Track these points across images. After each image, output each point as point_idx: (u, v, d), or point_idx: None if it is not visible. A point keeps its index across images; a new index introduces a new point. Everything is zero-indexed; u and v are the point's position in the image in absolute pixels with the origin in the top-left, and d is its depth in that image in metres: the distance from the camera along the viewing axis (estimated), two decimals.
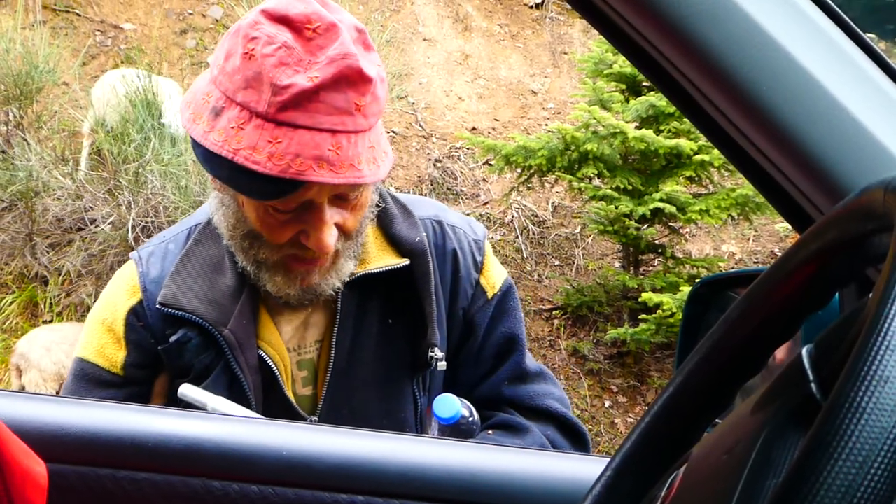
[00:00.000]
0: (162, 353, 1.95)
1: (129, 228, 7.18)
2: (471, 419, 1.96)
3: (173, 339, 1.93)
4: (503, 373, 2.13)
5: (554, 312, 8.33)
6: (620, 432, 7.56)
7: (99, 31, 10.54)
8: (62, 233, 7.95)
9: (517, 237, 8.89)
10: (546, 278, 8.62)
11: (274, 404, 1.95)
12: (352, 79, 1.68)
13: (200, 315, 1.90)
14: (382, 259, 2.02)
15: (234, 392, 1.92)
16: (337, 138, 1.68)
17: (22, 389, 6.69)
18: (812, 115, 1.00)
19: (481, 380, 2.13)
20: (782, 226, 8.40)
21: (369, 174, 1.74)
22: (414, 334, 2.03)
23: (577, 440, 2.14)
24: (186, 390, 1.86)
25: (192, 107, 1.80)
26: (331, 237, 1.80)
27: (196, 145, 1.79)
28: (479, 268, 2.12)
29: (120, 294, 2.01)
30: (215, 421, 1.53)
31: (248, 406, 1.91)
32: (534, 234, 9.08)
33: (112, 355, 1.98)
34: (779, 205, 1.14)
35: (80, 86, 9.15)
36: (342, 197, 1.81)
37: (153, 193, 7.32)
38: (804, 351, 0.74)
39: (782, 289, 0.82)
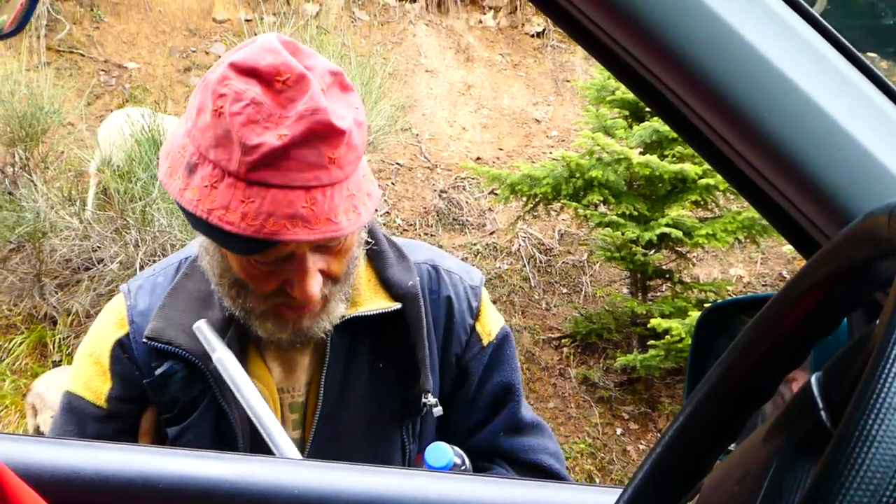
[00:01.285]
0: (147, 387, 1.93)
1: (137, 267, 7.18)
2: (463, 468, 1.93)
3: (159, 371, 1.91)
4: (498, 423, 2.10)
5: (563, 341, 8.32)
6: (633, 459, 7.53)
7: (103, 70, 10.60)
8: (70, 273, 7.96)
9: (524, 266, 8.89)
10: (554, 306, 8.61)
11: (263, 442, 1.88)
12: (322, 133, 1.63)
13: (186, 349, 1.88)
14: (374, 302, 1.99)
15: (222, 427, 1.90)
16: (311, 194, 1.64)
17: (37, 429, 6.70)
18: (815, 139, 1.00)
19: (475, 429, 2.10)
20: (790, 248, 8.39)
21: (347, 225, 1.70)
22: (404, 379, 2.00)
23: None
24: (202, 325, 1.86)
25: (170, 159, 1.77)
26: (314, 286, 1.77)
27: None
28: (474, 314, 2.08)
29: (107, 326, 2.00)
30: (228, 461, 1.53)
31: (235, 443, 1.89)
32: (541, 262, 9.08)
33: (97, 387, 1.96)
34: (784, 230, 1.13)
35: (86, 126, 9.19)
36: (323, 246, 1.78)
37: (160, 232, 7.33)
38: (813, 378, 0.74)
39: (790, 315, 0.82)
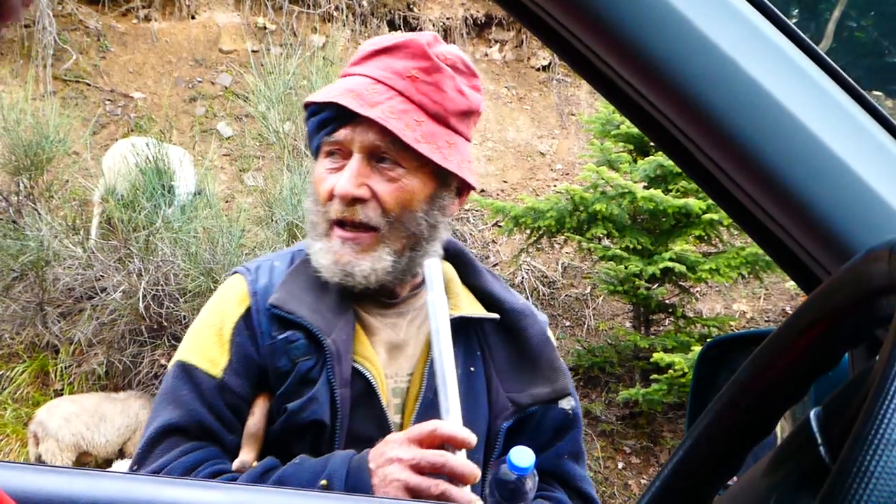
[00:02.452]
0: (266, 351, 1.98)
1: (140, 297, 7.19)
2: (529, 486, 1.98)
3: (281, 336, 1.98)
4: (563, 447, 2.17)
5: None
6: (634, 494, 7.50)
7: (109, 100, 10.65)
8: (73, 302, 7.97)
9: (527, 298, 8.89)
10: (557, 339, 8.59)
11: (366, 419, 1.98)
12: (414, 51, 1.92)
13: (309, 321, 1.97)
14: (472, 309, 2.11)
15: (331, 406, 1.96)
16: (377, 85, 1.90)
17: (38, 458, 6.67)
18: (817, 175, 1.00)
19: (539, 451, 2.11)
20: (793, 284, 8.37)
21: (400, 130, 1.87)
22: (493, 383, 2.10)
23: None
24: (433, 263, 1.94)
25: None
26: (350, 183, 1.91)
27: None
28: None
29: (229, 302, 2.07)
30: (224, 490, 1.52)
31: (335, 418, 1.95)
32: (544, 294, 9.08)
33: (214, 357, 2.01)
34: (786, 265, 1.14)
35: (91, 155, 9.23)
36: (376, 155, 1.93)
37: (163, 261, 7.34)
38: (812, 414, 0.74)
39: (790, 351, 0.82)
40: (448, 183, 2.01)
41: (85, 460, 6.86)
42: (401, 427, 2.05)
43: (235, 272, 2.14)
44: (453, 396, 1.86)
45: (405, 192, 1.96)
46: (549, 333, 2.20)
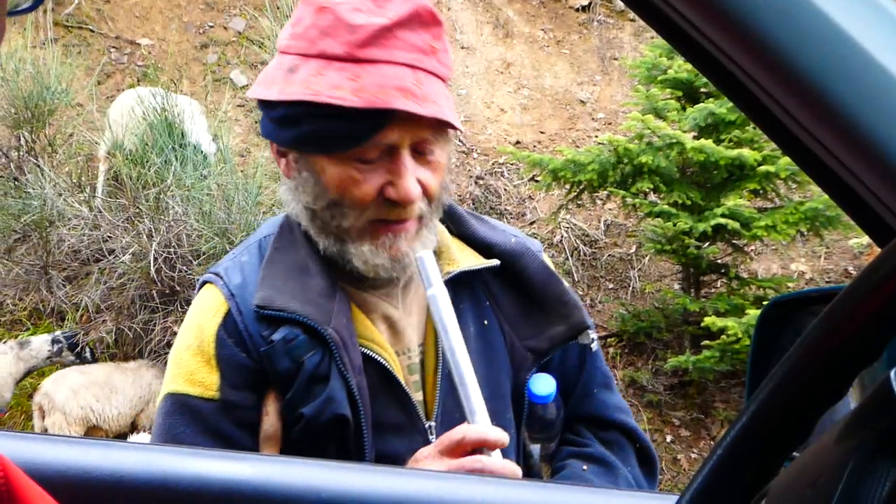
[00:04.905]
0: (265, 357, 1.96)
1: (151, 260, 7.21)
2: (553, 414, 2.07)
3: (277, 337, 1.95)
4: (590, 380, 2.23)
5: (609, 340, 8.30)
6: (683, 469, 7.51)
7: (114, 47, 10.67)
8: (79, 265, 8.02)
9: (567, 259, 8.89)
10: (599, 303, 8.60)
11: (388, 405, 1.99)
12: (425, 19, 1.87)
13: (303, 314, 1.95)
14: (468, 260, 2.13)
15: (350, 397, 1.95)
16: (417, 74, 1.85)
17: (44, 432, 6.73)
18: (893, 115, 0.99)
19: (567, 391, 2.20)
20: (856, 241, 8.33)
21: (451, 115, 1.88)
22: (508, 336, 2.13)
23: (651, 469, 2.24)
24: (426, 256, 1.95)
25: (263, 81, 1.96)
26: (414, 185, 1.91)
27: (267, 119, 1.96)
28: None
29: (204, 314, 2.04)
30: (251, 461, 1.54)
31: (357, 413, 1.94)
32: (585, 255, 9.07)
33: (204, 380, 1.99)
34: (857, 216, 1.13)
35: (96, 107, 9.26)
36: (421, 149, 1.93)
37: (175, 221, 7.35)
38: (892, 374, 0.74)
39: (866, 306, 0.82)
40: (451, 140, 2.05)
41: (95, 435, 6.91)
42: (425, 406, 2.06)
43: (204, 281, 2.11)
44: (476, 395, 1.88)
45: (441, 171, 2.00)
46: (548, 262, 2.22)
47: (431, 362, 2.07)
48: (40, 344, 7.33)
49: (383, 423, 1.98)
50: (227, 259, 2.14)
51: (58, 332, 7.46)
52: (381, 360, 2.00)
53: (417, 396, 2.06)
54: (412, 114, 1.83)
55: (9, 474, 1.09)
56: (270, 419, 1.98)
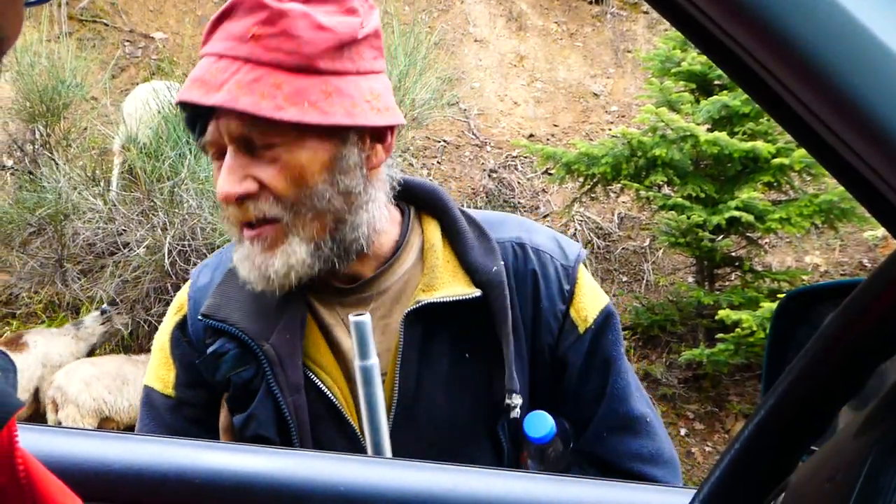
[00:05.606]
0: (200, 366, 1.93)
1: (166, 252, 7.23)
2: (560, 449, 1.90)
3: (210, 349, 1.90)
4: (600, 419, 1.99)
5: (623, 333, 8.29)
6: (698, 462, 7.50)
7: (128, 41, 10.69)
8: (94, 258, 8.04)
9: None
10: (613, 296, 8.59)
11: (329, 430, 1.89)
12: (248, 4, 1.75)
13: (240, 327, 1.88)
14: (452, 287, 1.91)
15: (280, 415, 1.87)
16: (219, 62, 1.76)
17: (58, 426, 6.76)
18: None
19: (585, 426, 1.99)
20: (871, 233, 8.31)
21: (249, 104, 1.71)
22: (491, 374, 1.91)
23: None
24: (365, 321, 1.80)
25: None
26: (230, 183, 1.78)
27: None
28: (566, 298, 1.98)
29: (170, 312, 2.04)
30: (266, 455, 1.54)
31: (288, 435, 1.86)
32: (599, 248, 9.06)
33: (164, 376, 1.99)
34: (873, 208, 1.12)
35: (110, 100, 9.28)
36: (247, 144, 1.78)
37: (189, 214, 7.37)
38: None
39: (886, 298, 0.81)
40: (347, 137, 1.82)
41: (107, 426, 6.95)
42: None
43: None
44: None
45: (292, 170, 1.80)
46: (584, 275, 2.01)
47: (388, 393, 1.88)
48: (92, 320, 7.51)
49: (324, 445, 1.88)
50: (214, 255, 2.11)
51: (98, 308, 7.62)
52: (321, 385, 1.90)
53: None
54: (225, 108, 1.73)
55: (29, 467, 1.10)
56: (224, 412, 1.96)
